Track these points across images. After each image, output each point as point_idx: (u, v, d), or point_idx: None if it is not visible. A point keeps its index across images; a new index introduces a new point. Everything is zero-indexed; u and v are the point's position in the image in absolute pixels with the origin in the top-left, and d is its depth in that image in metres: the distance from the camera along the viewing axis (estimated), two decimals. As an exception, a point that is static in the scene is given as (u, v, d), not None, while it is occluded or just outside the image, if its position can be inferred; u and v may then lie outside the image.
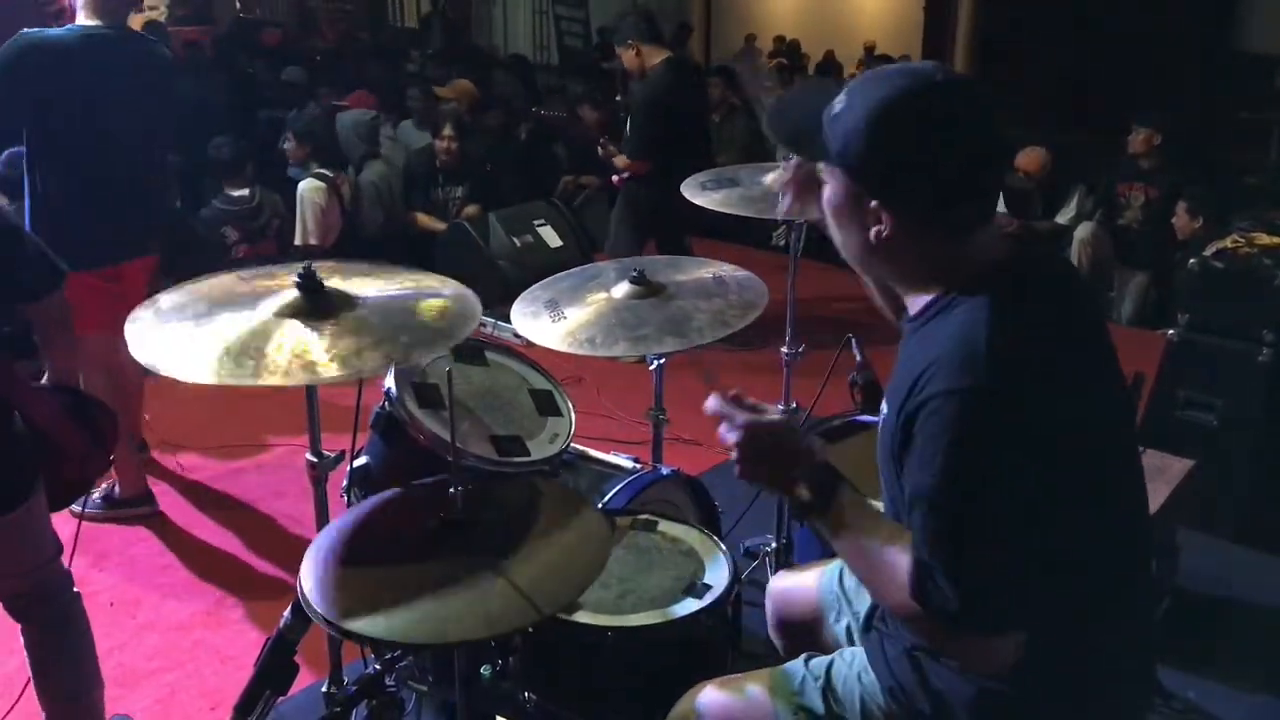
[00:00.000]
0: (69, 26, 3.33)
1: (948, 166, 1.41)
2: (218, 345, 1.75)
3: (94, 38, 3.30)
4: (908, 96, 1.40)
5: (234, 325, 1.80)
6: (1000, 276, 1.44)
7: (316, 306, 1.84)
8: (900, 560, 1.42)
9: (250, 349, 1.73)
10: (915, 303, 1.52)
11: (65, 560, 2.38)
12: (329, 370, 1.71)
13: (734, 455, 1.54)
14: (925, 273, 1.49)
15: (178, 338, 1.79)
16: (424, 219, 6.36)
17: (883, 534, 1.47)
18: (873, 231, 1.45)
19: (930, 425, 1.36)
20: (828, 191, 1.51)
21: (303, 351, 1.73)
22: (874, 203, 1.44)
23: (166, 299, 1.92)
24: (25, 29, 3.24)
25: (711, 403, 1.58)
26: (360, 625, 1.53)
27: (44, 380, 2.40)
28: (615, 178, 5.48)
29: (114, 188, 3.40)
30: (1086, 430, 1.42)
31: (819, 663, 1.73)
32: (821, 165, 1.52)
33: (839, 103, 1.46)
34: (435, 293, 2.00)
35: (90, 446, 2.36)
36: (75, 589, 2.40)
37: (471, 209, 6.34)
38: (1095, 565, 1.45)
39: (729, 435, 1.54)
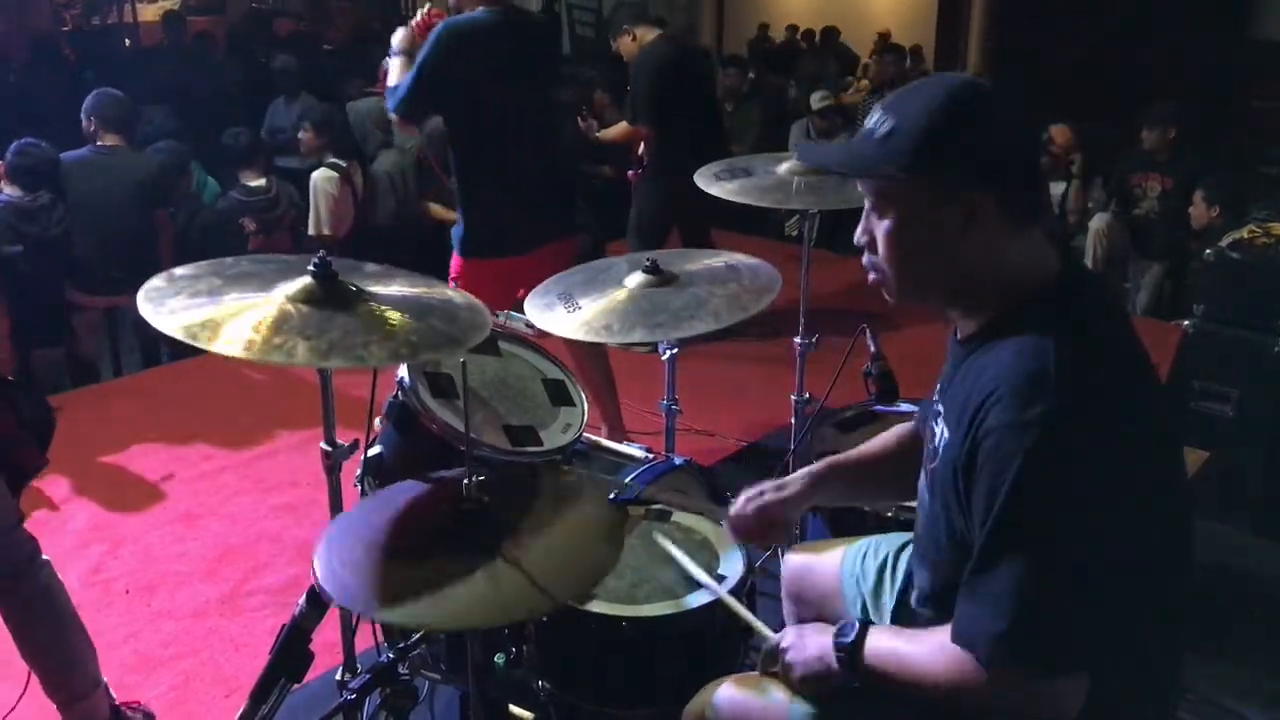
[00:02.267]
0: (478, 11, 3.39)
1: (1021, 141, 1.45)
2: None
3: (502, 23, 3.42)
4: (961, 90, 1.42)
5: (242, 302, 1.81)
6: (1058, 295, 1.43)
7: (328, 296, 1.84)
8: (935, 636, 1.43)
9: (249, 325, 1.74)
10: (968, 325, 1.51)
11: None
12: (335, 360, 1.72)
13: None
14: (991, 283, 1.46)
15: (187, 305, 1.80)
16: (437, 209, 6.36)
17: (908, 633, 1.51)
18: (960, 235, 1.41)
19: (999, 453, 1.33)
20: (891, 219, 1.46)
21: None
22: (962, 195, 1.40)
23: (182, 270, 1.93)
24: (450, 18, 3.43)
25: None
26: (374, 611, 1.54)
27: None
28: (631, 173, 5.46)
29: (533, 172, 3.49)
30: (1152, 450, 1.40)
31: None
32: (874, 195, 1.48)
33: (880, 124, 1.43)
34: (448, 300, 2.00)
35: (22, 435, 2.34)
36: (45, 556, 2.39)
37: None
38: (1153, 591, 1.43)
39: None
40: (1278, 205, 4.23)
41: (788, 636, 1.66)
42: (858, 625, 1.54)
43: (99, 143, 5.00)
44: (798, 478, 1.90)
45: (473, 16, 3.38)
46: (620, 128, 5.31)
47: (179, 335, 1.71)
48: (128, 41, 10.72)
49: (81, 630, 2.43)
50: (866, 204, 1.50)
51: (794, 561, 2.08)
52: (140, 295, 1.82)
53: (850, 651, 1.52)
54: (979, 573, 1.36)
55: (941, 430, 1.50)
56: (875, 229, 1.49)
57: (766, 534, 1.92)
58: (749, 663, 2.00)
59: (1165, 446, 1.45)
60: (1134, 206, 6.09)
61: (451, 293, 2.04)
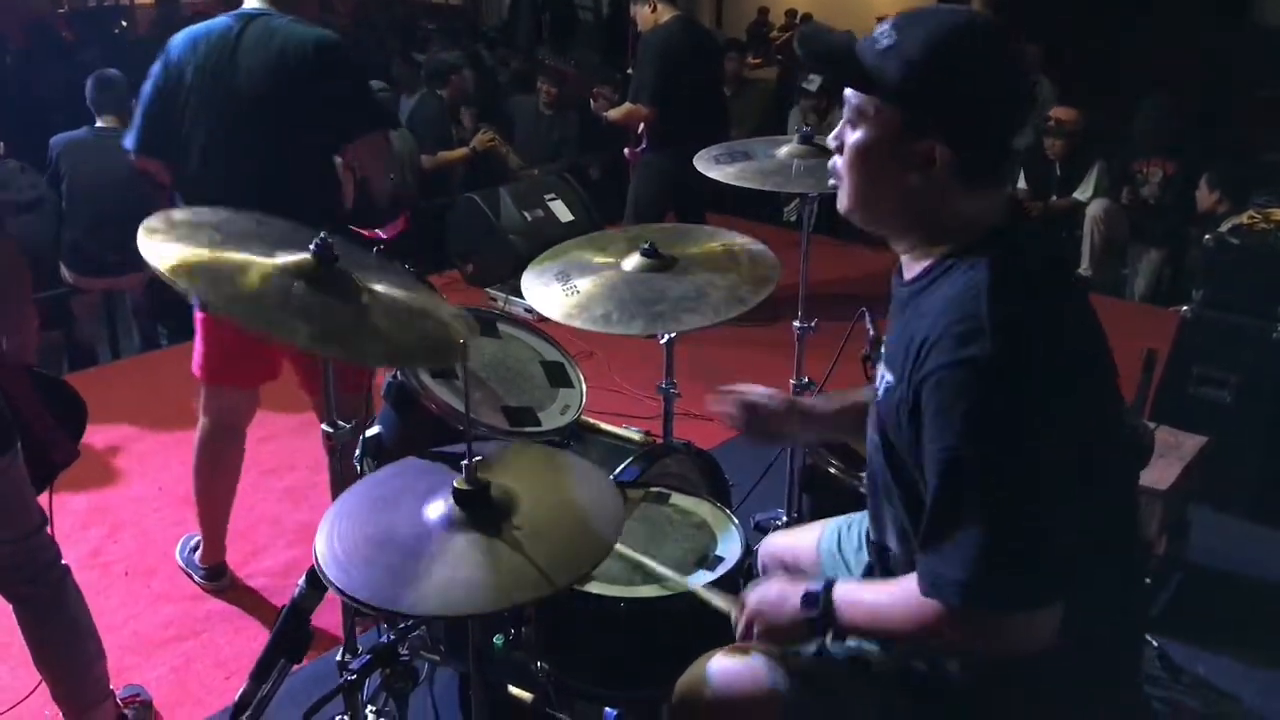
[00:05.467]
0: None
1: (1003, 104, 1.43)
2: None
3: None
4: (966, 32, 1.41)
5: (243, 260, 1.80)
6: (999, 240, 1.44)
7: (327, 280, 1.83)
8: (901, 584, 1.45)
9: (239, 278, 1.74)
10: (913, 267, 1.52)
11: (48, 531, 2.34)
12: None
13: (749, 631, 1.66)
14: (939, 227, 1.48)
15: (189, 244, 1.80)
16: (443, 154, 6.34)
17: (873, 585, 1.55)
18: (913, 174, 1.44)
19: (940, 394, 1.35)
20: (861, 133, 1.47)
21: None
22: (927, 140, 1.42)
23: (180, 214, 1.92)
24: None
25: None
26: (373, 595, 1.54)
27: (4, 347, 2.30)
28: (628, 150, 5.45)
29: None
30: (1093, 385, 1.43)
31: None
32: (853, 105, 1.48)
33: (885, 36, 1.44)
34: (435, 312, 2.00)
35: (58, 432, 2.32)
36: (64, 562, 2.36)
37: (486, 135, 6.34)
38: (1099, 532, 1.45)
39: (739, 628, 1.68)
40: (1278, 191, 4.22)
41: (752, 602, 1.66)
42: (822, 592, 1.55)
43: (97, 124, 4.99)
44: (816, 399, 2.00)
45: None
46: (624, 108, 5.29)
47: (166, 273, 1.69)
48: (124, 24, 10.67)
49: (96, 640, 2.41)
50: (848, 111, 1.51)
51: (774, 542, 2.10)
52: (140, 231, 1.80)
53: (821, 619, 1.54)
54: (935, 521, 1.38)
55: (883, 373, 1.53)
56: (846, 137, 1.51)
57: (750, 420, 2.05)
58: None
59: (1097, 386, 1.47)
60: (1136, 192, 6.07)
61: (439, 304, 2.03)
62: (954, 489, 1.36)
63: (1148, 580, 1.59)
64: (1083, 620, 1.40)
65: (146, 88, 2.91)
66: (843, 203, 1.55)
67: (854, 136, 1.49)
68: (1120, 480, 1.55)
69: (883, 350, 1.59)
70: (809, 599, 1.56)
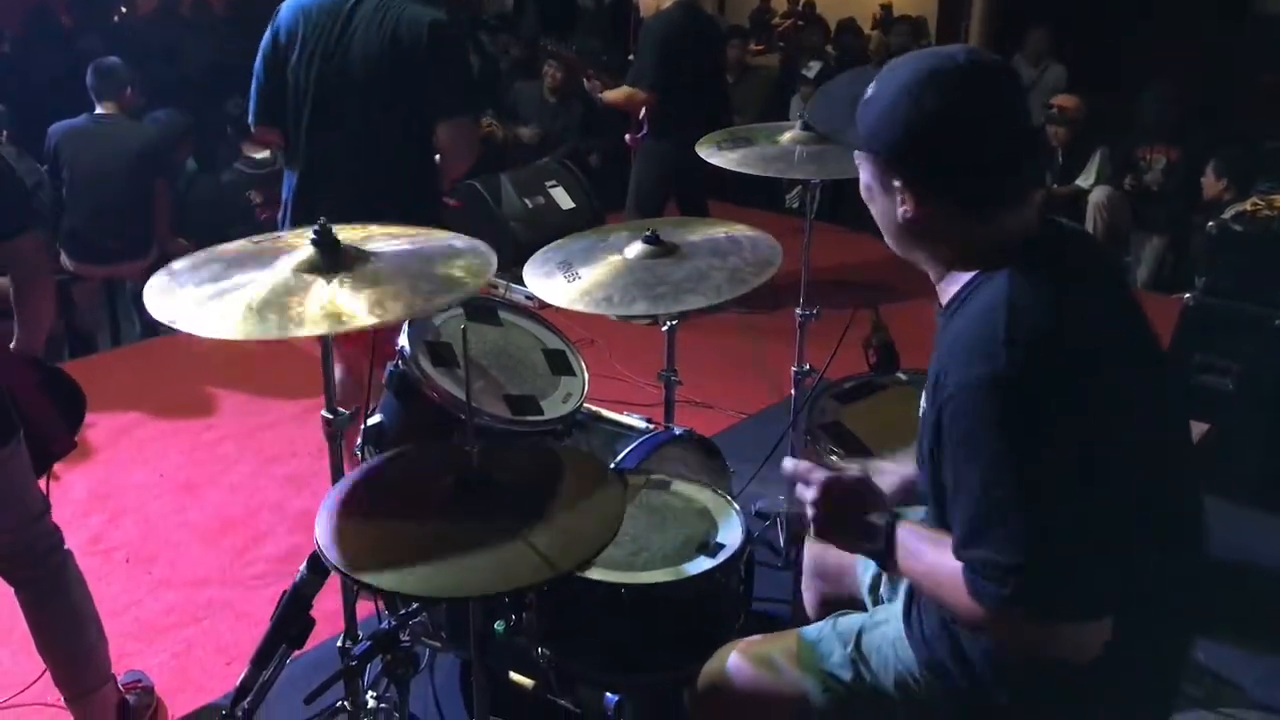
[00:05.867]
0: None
1: (970, 150, 1.41)
2: (239, 302, 1.73)
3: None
4: (930, 79, 1.40)
5: (253, 283, 1.78)
6: (1022, 253, 1.42)
7: (333, 261, 1.83)
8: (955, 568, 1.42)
9: (272, 304, 1.72)
10: (946, 291, 1.52)
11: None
12: (354, 320, 1.70)
13: (810, 513, 1.56)
14: (955, 254, 1.48)
15: (196, 297, 1.77)
16: None
17: (935, 549, 1.46)
18: (899, 212, 1.47)
19: (961, 415, 1.35)
20: (862, 175, 1.53)
21: (328, 302, 1.72)
22: (898, 183, 1.45)
23: (180, 263, 1.91)
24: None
25: (788, 464, 1.61)
26: (375, 578, 1.54)
27: (15, 338, 2.30)
28: (629, 136, 5.43)
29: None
30: (1124, 400, 1.39)
31: (847, 626, 1.73)
32: (857, 153, 1.53)
33: (871, 88, 1.47)
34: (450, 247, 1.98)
35: (59, 425, 2.32)
36: (66, 547, 2.37)
37: (484, 121, 6.37)
38: (1147, 541, 1.42)
39: (806, 492, 1.56)
40: (1281, 178, 4.22)
41: (829, 480, 1.57)
42: (884, 528, 1.52)
43: (96, 111, 4.98)
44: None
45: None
46: (622, 91, 5.26)
47: (206, 334, 1.69)
48: (123, 9, 10.62)
49: (97, 624, 2.41)
50: None
51: (814, 545, 2.08)
52: (147, 296, 1.79)
53: (883, 545, 1.51)
54: (970, 538, 1.37)
55: (922, 402, 1.52)
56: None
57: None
58: (747, 630, 2.01)
59: (1135, 397, 1.43)
60: (1139, 179, 6.06)
61: (450, 236, 2.02)
62: (985, 507, 1.34)
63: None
64: (1129, 636, 1.38)
65: (257, 60, 3.01)
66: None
67: (861, 177, 1.54)
68: (1174, 485, 1.50)
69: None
70: (870, 532, 1.53)
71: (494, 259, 1.92)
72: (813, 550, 2.07)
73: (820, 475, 1.55)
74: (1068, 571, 1.33)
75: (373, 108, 2.87)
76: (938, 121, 1.39)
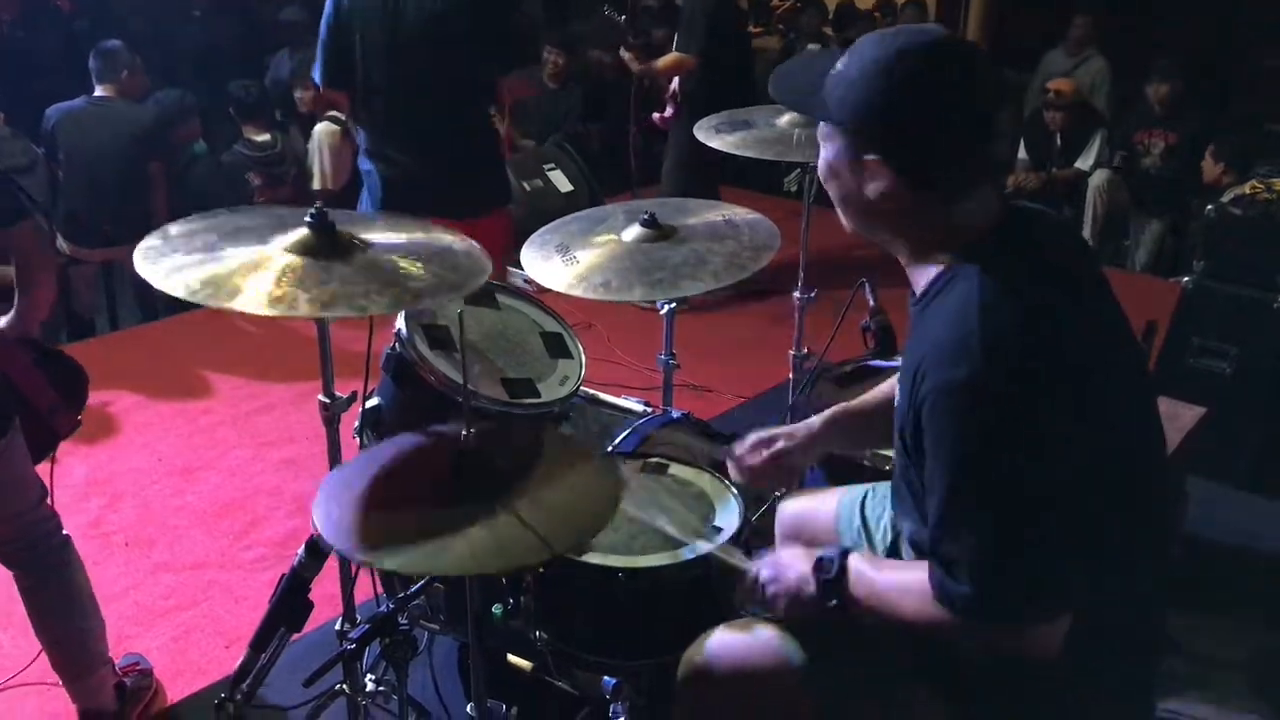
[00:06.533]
0: None
1: (941, 124, 1.41)
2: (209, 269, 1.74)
3: None
4: (904, 53, 1.39)
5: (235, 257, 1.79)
6: (992, 244, 1.43)
7: (326, 246, 1.82)
8: (915, 573, 1.44)
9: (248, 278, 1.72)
10: (919, 280, 1.51)
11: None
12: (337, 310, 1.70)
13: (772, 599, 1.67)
14: (924, 238, 1.48)
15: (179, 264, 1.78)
16: None
17: (889, 565, 1.54)
18: (870, 188, 1.45)
19: (936, 417, 1.36)
20: (825, 153, 1.51)
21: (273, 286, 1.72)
22: (871, 157, 1.43)
23: (176, 228, 1.91)
24: None
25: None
26: (373, 557, 1.54)
27: (5, 321, 2.30)
28: (658, 116, 5.38)
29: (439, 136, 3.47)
30: (1098, 394, 1.40)
31: None
32: (820, 129, 1.52)
33: (840, 63, 1.46)
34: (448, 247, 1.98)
35: (59, 402, 2.32)
36: (65, 532, 2.37)
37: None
38: (1117, 531, 1.44)
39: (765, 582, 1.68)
40: (1281, 162, 4.21)
41: (765, 569, 1.68)
42: (838, 558, 1.56)
43: (95, 93, 4.96)
44: (809, 424, 1.94)
45: None
46: (671, 57, 5.21)
47: (181, 294, 1.69)
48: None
49: (95, 608, 2.42)
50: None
51: (790, 508, 2.10)
52: (137, 255, 1.80)
53: (832, 585, 1.55)
54: (941, 535, 1.39)
55: (897, 389, 1.53)
56: (821, 155, 1.54)
57: (777, 478, 1.96)
58: (745, 613, 2.01)
59: (1107, 391, 1.43)
60: (1137, 163, 6.05)
61: (450, 238, 2.02)
62: (956, 506, 1.36)
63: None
64: (1091, 633, 1.40)
65: (322, 25, 3.25)
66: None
67: (822, 154, 1.53)
68: (1144, 487, 1.51)
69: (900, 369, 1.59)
70: (823, 563, 1.56)
71: (478, 280, 1.90)
72: (787, 518, 2.08)
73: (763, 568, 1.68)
74: (1031, 575, 1.35)
75: (434, 65, 3.13)
76: (910, 93, 1.39)
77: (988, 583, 1.35)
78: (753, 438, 1.97)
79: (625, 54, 5.41)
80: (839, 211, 1.55)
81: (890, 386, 1.92)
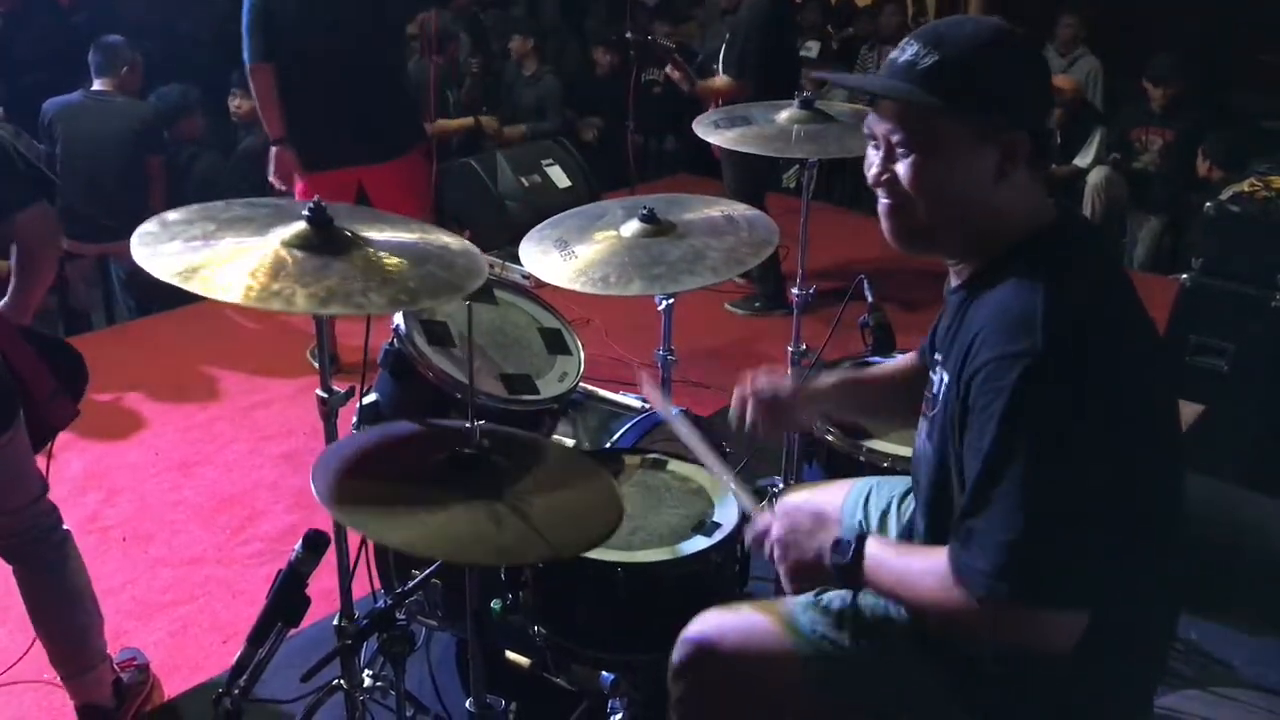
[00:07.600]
0: None
1: (1041, 93, 1.50)
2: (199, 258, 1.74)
3: None
4: (998, 32, 1.44)
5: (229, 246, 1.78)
6: (1051, 234, 1.45)
7: (324, 242, 1.81)
8: (932, 558, 1.43)
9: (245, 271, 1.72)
10: (963, 270, 1.53)
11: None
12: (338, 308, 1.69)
13: (777, 552, 1.67)
14: (997, 231, 1.47)
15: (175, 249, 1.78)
16: (441, 122, 6.25)
17: (906, 550, 1.54)
18: (995, 169, 1.42)
19: (988, 387, 1.35)
20: (925, 157, 1.43)
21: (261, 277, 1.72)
22: (1005, 134, 1.42)
23: (174, 214, 1.90)
24: None
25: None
26: (371, 529, 1.54)
27: (3, 303, 2.29)
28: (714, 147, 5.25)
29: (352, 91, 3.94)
30: (1147, 388, 1.41)
31: (832, 599, 1.73)
32: (901, 133, 1.45)
33: (923, 55, 1.42)
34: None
35: (59, 388, 2.31)
36: (65, 526, 2.37)
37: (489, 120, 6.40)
38: (1147, 533, 1.43)
39: (770, 531, 1.69)
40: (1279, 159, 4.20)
41: (778, 526, 1.67)
42: (854, 542, 1.55)
43: (93, 87, 4.94)
44: (819, 380, 1.97)
45: None
46: (724, 81, 5.01)
47: (174, 280, 1.69)
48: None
49: (93, 603, 2.42)
50: (884, 141, 1.48)
51: (793, 499, 2.08)
52: (134, 240, 1.79)
53: (851, 559, 1.54)
54: (970, 511, 1.38)
55: (941, 377, 1.52)
56: (899, 166, 1.47)
57: (774, 420, 1.94)
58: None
59: (1153, 393, 1.45)
60: (1134, 160, 6.05)
61: (448, 238, 2.02)
62: (992, 481, 1.35)
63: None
64: (1108, 631, 1.39)
65: (245, 8, 3.70)
66: (903, 236, 1.52)
67: (914, 162, 1.44)
68: (1173, 489, 1.51)
69: (936, 356, 1.59)
70: (840, 546, 1.55)
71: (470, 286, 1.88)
72: (786, 505, 2.07)
73: (775, 517, 1.68)
74: (1061, 557, 1.34)
75: (342, 12, 3.72)
76: (1025, 61, 1.45)
77: (1012, 558, 1.33)
78: (759, 375, 1.97)
79: (674, 73, 5.24)
80: (921, 219, 1.47)
81: (900, 365, 1.95)
